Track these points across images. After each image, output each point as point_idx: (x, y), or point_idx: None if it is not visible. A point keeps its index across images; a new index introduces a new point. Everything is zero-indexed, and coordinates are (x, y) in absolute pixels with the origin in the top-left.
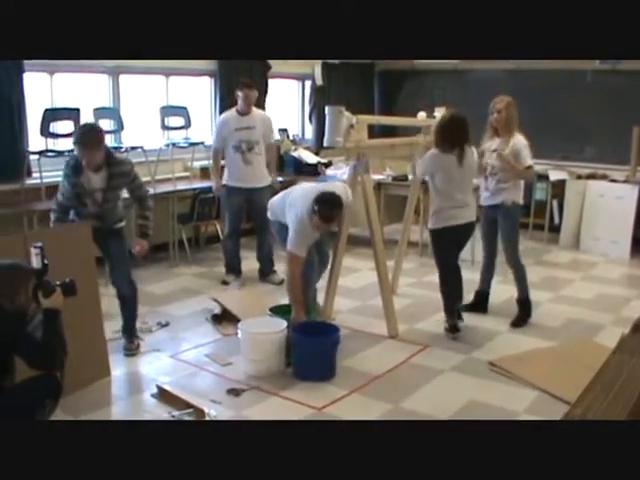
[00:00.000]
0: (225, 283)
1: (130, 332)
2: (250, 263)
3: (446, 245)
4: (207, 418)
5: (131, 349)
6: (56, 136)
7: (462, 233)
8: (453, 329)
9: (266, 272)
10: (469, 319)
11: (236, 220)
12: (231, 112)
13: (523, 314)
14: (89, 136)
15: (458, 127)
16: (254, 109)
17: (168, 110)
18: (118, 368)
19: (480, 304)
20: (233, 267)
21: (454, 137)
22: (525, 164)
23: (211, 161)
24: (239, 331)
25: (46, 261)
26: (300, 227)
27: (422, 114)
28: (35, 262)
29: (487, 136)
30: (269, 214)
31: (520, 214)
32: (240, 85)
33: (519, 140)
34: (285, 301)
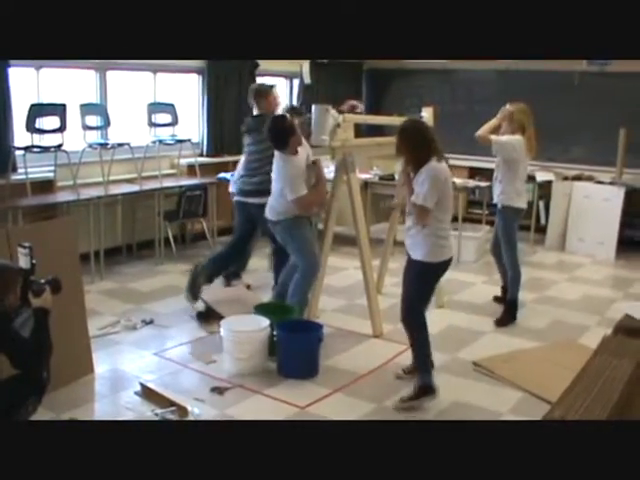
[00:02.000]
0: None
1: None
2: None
3: (433, 284)
4: (190, 416)
5: None
6: (42, 132)
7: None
8: (430, 390)
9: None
10: (455, 318)
11: None
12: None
13: (507, 315)
14: None
15: (431, 130)
16: None
17: (155, 107)
18: (101, 365)
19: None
20: None
21: (435, 140)
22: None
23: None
24: (221, 329)
25: (34, 261)
26: (294, 171)
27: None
28: (23, 262)
29: None
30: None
31: (516, 218)
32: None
33: (508, 136)
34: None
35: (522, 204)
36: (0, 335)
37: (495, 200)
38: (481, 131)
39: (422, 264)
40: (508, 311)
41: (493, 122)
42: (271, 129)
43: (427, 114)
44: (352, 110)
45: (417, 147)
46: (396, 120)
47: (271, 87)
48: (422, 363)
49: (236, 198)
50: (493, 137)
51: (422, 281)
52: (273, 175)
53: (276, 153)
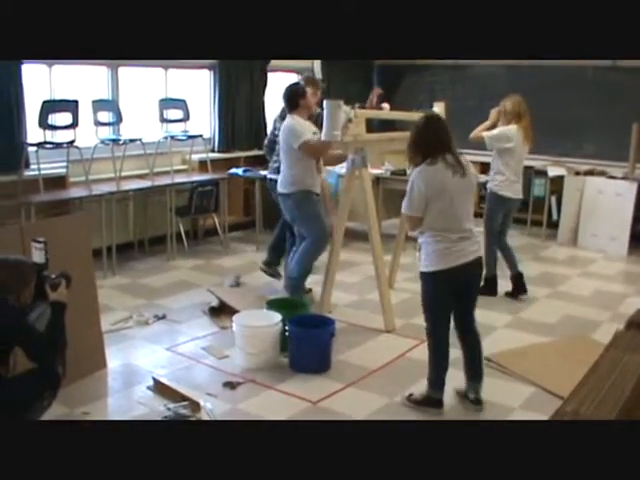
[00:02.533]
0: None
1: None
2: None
3: (439, 296)
4: (203, 411)
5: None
6: (54, 128)
7: (469, 275)
8: (437, 404)
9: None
10: None
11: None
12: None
13: (484, 288)
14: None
15: (439, 128)
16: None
17: (167, 103)
18: (114, 360)
19: (519, 286)
20: None
21: (436, 139)
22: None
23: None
24: (234, 324)
25: (48, 256)
26: (300, 126)
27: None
28: (37, 257)
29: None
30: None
31: (499, 207)
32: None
33: (499, 128)
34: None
35: (509, 193)
36: (16, 329)
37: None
38: (473, 133)
39: (421, 274)
40: (485, 285)
41: (486, 124)
42: (285, 92)
43: (439, 109)
44: (379, 98)
45: (413, 145)
46: (414, 115)
47: (321, 82)
48: (433, 378)
49: (269, 176)
50: (485, 133)
51: (425, 291)
52: (281, 145)
53: (287, 118)
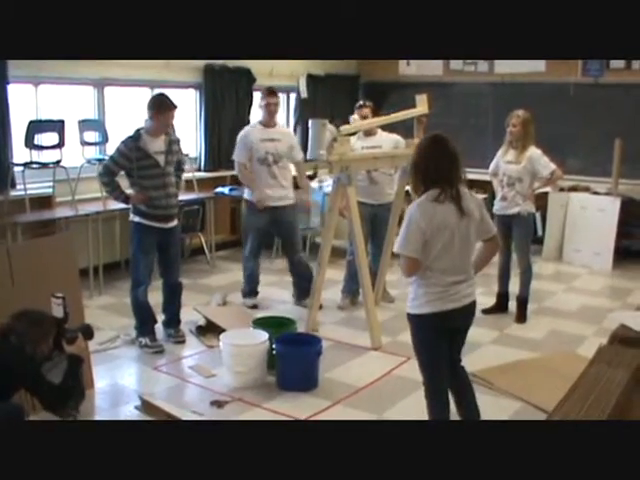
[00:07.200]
0: (254, 307)
1: (178, 321)
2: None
3: (435, 340)
4: None
5: (179, 336)
6: (41, 148)
7: (460, 320)
8: None
9: (304, 294)
10: None
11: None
12: (253, 125)
13: (523, 311)
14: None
15: (444, 151)
16: (278, 122)
17: None
18: (101, 380)
19: (502, 305)
20: (251, 289)
21: (439, 166)
22: (550, 169)
23: (240, 176)
24: (221, 343)
25: (67, 310)
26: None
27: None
28: (56, 311)
29: (503, 148)
30: None
31: (533, 221)
32: (263, 93)
33: (534, 151)
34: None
35: None
36: (26, 376)
37: (515, 210)
38: (551, 179)
39: (409, 315)
40: (522, 308)
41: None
42: None
43: (421, 101)
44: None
45: (414, 170)
46: (397, 117)
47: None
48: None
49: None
50: (551, 167)
51: (414, 335)
52: None
53: None
